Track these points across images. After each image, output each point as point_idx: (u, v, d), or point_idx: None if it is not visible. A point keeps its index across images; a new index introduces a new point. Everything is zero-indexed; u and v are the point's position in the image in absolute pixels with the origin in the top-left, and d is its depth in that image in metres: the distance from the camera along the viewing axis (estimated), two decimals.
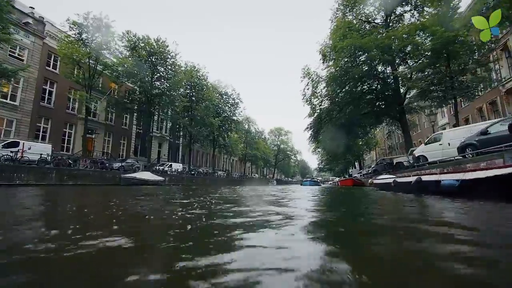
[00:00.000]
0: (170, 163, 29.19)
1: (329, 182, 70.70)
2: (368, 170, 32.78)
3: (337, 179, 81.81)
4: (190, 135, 33.36)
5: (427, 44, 12.22)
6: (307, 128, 21.68)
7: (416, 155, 11.76)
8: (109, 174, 18.74)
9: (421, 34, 14.14)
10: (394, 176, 11.05)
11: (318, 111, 20.86)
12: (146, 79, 25.21)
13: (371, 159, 66.90)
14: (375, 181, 10.27)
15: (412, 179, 6.43)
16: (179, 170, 28.63)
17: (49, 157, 15.66)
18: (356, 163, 51.59)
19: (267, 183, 52.13)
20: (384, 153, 52.07)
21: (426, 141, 11.49)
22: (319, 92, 19.90)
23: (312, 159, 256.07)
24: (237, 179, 45.32)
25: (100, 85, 27.15)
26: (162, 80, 27.59)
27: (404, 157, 16.84)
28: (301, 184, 44.73)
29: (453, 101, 15.01)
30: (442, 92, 12.34)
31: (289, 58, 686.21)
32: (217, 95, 39.53)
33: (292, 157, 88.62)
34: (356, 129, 21.51)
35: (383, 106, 19.76)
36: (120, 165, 20.77)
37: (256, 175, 64.48)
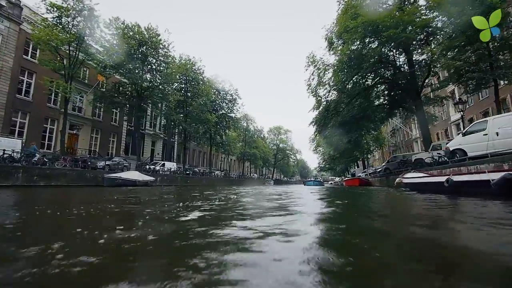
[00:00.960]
0: (163, 162, 27.07)
1: (329, 182, 68.79)
2: (376, 169, 30.81)
3: (338, 178, 79.93)
4: (185, 133, 31.24)
5: (461, 18, 10.24)
6: (312, 122, 19.69)
7: (451, 149, 9.74)
8: (91, 174, 16.61)
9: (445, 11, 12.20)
10: (423, 174, 9.02)
11: (325, 103, 18.85)
12: (136, 71, 23.07)
13: (373, 158, 64.96)
14: (406, 180, 8.23)
15: (492, 176, 4.40)
16: (172, 169, 26.53)
17: (18, 154, 13.51)
18: (359, 162, 49.66)
19: (264, 183, 49.66)
20: (388, 151, 50.17)
21: (464, 131, 9.48)
22: (326, 81, 17.88)
23: (311, 159, 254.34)
24: (234, 179, 43.25)
25: (86, 78, 25.12)
26: (154, 73, 25.46)
27: (425, 153, 14.84)
28: (305, 184, 44.49)
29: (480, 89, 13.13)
30: (481, 73, 10.37)
31: (289, 57, 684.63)
32: (214, 90, 37.52)
33: (292, 156, 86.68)
34: (366, 123, 19.49)
35: (396, 97, 17.79)
36: (105, 164, 18.64)
37: (255, 175, 62.44)
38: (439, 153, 13.12)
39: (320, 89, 18.44)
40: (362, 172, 39.42)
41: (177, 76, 29.33)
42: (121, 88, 24.69)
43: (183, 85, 32.00)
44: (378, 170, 24.15)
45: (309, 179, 53.64)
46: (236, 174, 49.48)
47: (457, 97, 15.92)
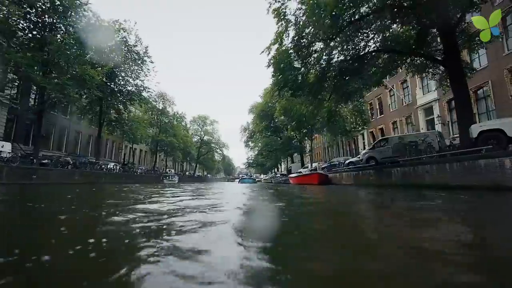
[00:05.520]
0: None
1: (256, 180, 61.73)
2: (332, 162, 24.30)
3: (264, 176, 74.33)
4: (42, 93, 18.19)
5: None
6: (270, 64, 11.07)
7: None
8: None
9: None
10: None
11: (292, 28, 10.39)
12: None
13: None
14: None
15: None
16: None
17: None
18: (296, 155, 44.02)
19: (162, 179, 34.43)
20: (322, 147, 45.99)
21: None
22: None
23: (236, 156, 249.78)
24: (139, 175, 31.22)
25: None
26: None
27: (500, 120, 7.84)
28: (239, 182, 43.78)
29: None
30: None
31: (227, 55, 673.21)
32: (112, 42, 24.91)
33: (218, 150, 76.94)
34: (353, 81, 11.84)
35: (412, 38, 10.57)
36: None
37: (172, 170, 50.44)
38: None
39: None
40: (303, 168, 33.17)
41: None
42: None
43: (46, 19, 18.74)
44: (347, 162, 17.16)
45: (244, 177, 52.64)
46: (144, 169, 36.98)
47: None
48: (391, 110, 26.35)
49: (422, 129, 21.02)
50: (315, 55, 11.38)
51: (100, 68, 20.16)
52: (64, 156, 21.96)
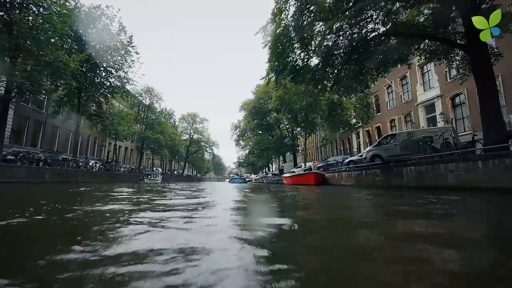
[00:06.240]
0: None
1: (247, 180, 60.26)
2: (327, 161, 23.06)
3: (254, 176, 72.69)
4: (8, 80, 16.11)
5: None
6: (266, 43, 9.66)
7: None
8: None
9: None
10: None
11: (295, 3, 9.00)
12: None
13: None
14: None
15: None
16: None
17: None
18: (289, 155, 42.73)
19: (142, 179, 32.24)
20: (315, 146, 44.92)
21: None
22: None
23: (226, 156, 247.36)
24: (120, 173, 29.16)
25: None
26: None
27: None
28: (230, 181, 43.34)
29: None
30: None
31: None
32: (91, 27, 22.91)
33: (207, 149, 74.89)
34: (361, 63, 10.45)
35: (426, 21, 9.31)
36: None
37: (159, 169, 48.30)
38: None
39: None
40: (296, 168, 31.89)
41: None
42: None
43: None
44: (347, 161, 15.84)
45: (234, 177, 51.35)
46: (127, 168, 34.83)
47: None
48: (388, 108, 25.33)
49: (422, 127, 19.99)
50: (318, 38, 10.00)
51: (76, 56, 18.13)
52: (33, 152, 19.82)
